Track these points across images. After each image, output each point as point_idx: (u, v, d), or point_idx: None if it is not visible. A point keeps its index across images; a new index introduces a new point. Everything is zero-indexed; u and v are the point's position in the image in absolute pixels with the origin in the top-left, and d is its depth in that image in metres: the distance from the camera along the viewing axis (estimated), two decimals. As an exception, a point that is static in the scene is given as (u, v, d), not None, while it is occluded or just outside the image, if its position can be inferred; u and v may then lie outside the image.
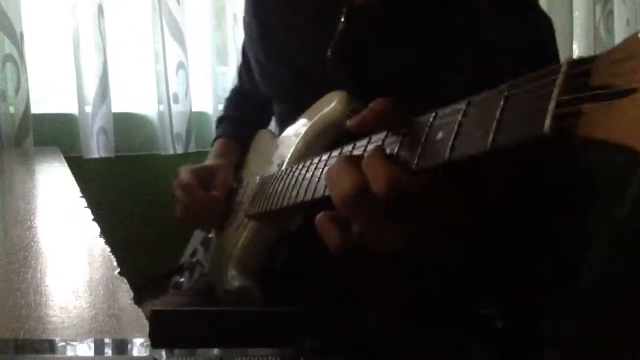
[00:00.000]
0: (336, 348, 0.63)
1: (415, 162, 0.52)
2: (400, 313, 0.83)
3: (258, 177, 0.94)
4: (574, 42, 2.19)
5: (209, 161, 1.07)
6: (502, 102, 0.43)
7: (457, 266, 0.75)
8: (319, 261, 0.86)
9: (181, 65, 1.85)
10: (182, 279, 1.02)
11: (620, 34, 2.25)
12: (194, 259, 1.02)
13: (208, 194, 0.96)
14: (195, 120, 1.88)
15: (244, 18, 1.07)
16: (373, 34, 0.85)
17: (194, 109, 1.88)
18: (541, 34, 0.82)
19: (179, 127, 1.86)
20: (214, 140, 1.16)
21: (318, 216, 0.59)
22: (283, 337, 0.59)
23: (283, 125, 1.00)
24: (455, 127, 0.48)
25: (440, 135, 0.50)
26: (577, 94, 0.37)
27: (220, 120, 1.21)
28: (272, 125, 1.16)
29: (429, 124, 0.52)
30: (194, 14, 1.87)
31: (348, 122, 0.62)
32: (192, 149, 1.86)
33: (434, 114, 0.52)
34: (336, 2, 0.86)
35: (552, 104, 0.38)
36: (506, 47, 0.77)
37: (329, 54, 0.86)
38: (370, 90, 0.81)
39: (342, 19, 0.85)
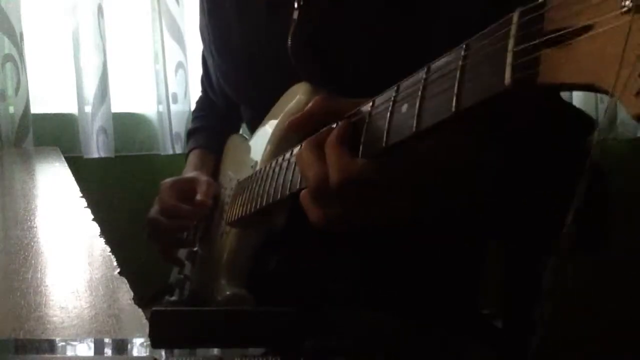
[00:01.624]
0: (336, 348, 0.63)
1: (384, 140, 0.51)
2: (399, 313, 0.83)
3: (234, 183, 0.93)
4: (573, 42, 2.19)
5: (188, 174, 1.05)
6: (460, 63, 0.43)
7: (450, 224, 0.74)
8: (312, 262, 0.86)
9: (180, 65, 1.85)
10: (172, 297, 1.01)
11: (619, 34, 2.25)
12: (182, 275, 1.01)
13: (191, 207, 0.95)
14: (195, 120, 1.88)
15: (200, 23, 1.05)
16: (330, 19, 0.82)
17: (193, 109, 1.88)
18: None
19: (178, 127, 1.86)
20: (188, 153, 1.15)
21: (302, 193, 0.60)
22: (283, 337, 0.59)
23: (254, 126, 0.99)
24: (419, 97, 0.47)
25: (404, 107, 0.49)
26: (532, 41, 0.36)
27: (191, 133, 1.20)
28: (243, 128, 1.14)
29: (392, 99, 0.51)
30: (193, 14, 1.87)
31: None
32: (191, 149, 1.86)
33: (396, 87, 0.51)
34: None
35: (509, 56, 0.38)
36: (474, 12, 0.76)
37: (288, 43, 0.83)
38: (335, 76, 0.81)
39: (296, 7, 0.83)
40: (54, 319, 0.52)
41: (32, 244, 0.75)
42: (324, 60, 0.83)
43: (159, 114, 1.85)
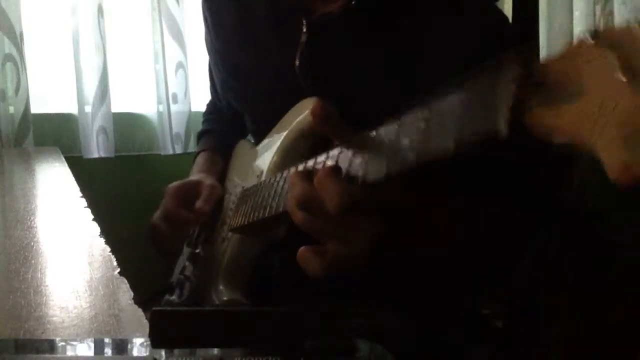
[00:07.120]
0: (336, 348, 0.63)
1: (385, 170, 0.53)
2: (400, 313, 0.83)
3: (239, 190, 0.94)
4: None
5: (194, 176, 1.07)
6: (456, 103, 0.45)
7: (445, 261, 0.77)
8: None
9: (180, 65, 1.85)
10: (173, 297, 1.02)
11: (619, 34, 2.25)
12: (183, 276, 1.02)
13: (190, 212, 0.96)
14: (194, 120, 1.88)
15: (205, 36, 1.07)
16: (338, 42, 0.85)
17: (193, 109, 1.88)
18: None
19: (178, 127, 1.86)
20: (197, 155, 1.16)
21: (299, 250, 0.62)
22: (283, 337, 0.59)
23: (257, 135, 1.00)
24: (419, 132, 0.49)
25: (405, 141, 0.51)
26: (527, 95, 0.39)
27: (201, 135, 1.22)
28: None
29: (394, 132, 0.53)
30: (193, 14, 1.87)
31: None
32: (191, 148, 1.86)
33: (398, 121, 0.53)
34: (294, 14, 0.86)
35: (505, 105, 0.40)
36: (467, 45, 0.78)
37: (297, 63, 0.86)
38: (341, 97, 0.82)
39: (305, 30, 0.86)
40: (54, 319, 0.52)
41: (32, 244, 0.75)
42: (330, 80, 0.85)
43: (159, 114, 1.86)
